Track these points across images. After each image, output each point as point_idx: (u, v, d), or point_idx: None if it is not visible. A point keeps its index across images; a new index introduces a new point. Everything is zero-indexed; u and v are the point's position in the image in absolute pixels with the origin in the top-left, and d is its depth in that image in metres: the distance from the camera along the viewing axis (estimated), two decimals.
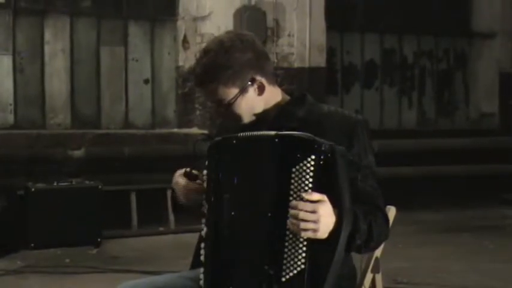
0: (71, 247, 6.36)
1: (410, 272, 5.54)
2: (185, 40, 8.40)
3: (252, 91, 2.35)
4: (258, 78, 2.35)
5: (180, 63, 8.44)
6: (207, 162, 2.31)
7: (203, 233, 2.31)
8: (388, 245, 2.53)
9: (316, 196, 2.08)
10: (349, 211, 2.13)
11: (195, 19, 8.36)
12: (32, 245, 6.34)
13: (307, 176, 2.10)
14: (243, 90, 2.34)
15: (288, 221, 2.10)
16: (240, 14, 8.02)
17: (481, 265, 5.85)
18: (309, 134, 2.15)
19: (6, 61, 7.68)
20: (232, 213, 2.23)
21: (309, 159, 2.10)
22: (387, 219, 2.35)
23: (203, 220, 2.32)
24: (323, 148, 2.10)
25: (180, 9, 8.41)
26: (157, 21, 8.43)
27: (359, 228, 2.20)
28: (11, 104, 7.72)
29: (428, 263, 5.94)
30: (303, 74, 8.27)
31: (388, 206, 2.57)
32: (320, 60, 8.59)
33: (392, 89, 9.86)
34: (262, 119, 2.42)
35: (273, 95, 2.42)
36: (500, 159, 9.04)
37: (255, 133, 2.30)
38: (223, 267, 2.25)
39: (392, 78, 9.86)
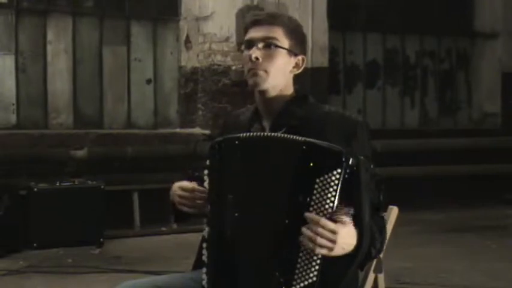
0: (74, 247, 6.37)
1: (412, 272, 5.54)
2: (187, 40, 8.41)
3: (293, 60, 2.45)
4: (303, 57, 2.47)
5: (183, 63, 8.45)
6: (208, 162, 2.30)
7: (205, 232, 2.30)
8: (390, 245, 2.53)
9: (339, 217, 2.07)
10: (368, 228, 2.13)
11: (198, 19, 8.36)
12: (35, 244, 6.35)
13: (331, 189, 2.07)
14: (292, 52, 2.43)
15: (303, 231, 2.07)
16: (243, 14, 8.02)
17: (483, 265, 5.84)
18: (338, 146, 2.13)
19: (9, 61, 7.68)
20: (236, 214, 2.21)
21: (335, 172, 2.07)
22: (385, 227, 2.37)
23: (205, 220, 2.32)
24: (350, 162, 2.09)
25: (183, 9, 8.42)
26: (159, 21, 8.43)
27: (375, 247, 2.22)
28: (13, 104, 7.73)
29: (431, 263, 5.93)
30: (305, 73, 8.25)
31: (391, 206, 2.58)
32: (322, 60, 8.59)
33: (395, 89, 9.85)
34: (266, 116, 2.43)
35: (289, 85, 2.47)
36: (502, 159, 9.03)
37: (262, 134, 2.30)
38: (227, 268, 2.23)
39: (394, 78, 9.85)
